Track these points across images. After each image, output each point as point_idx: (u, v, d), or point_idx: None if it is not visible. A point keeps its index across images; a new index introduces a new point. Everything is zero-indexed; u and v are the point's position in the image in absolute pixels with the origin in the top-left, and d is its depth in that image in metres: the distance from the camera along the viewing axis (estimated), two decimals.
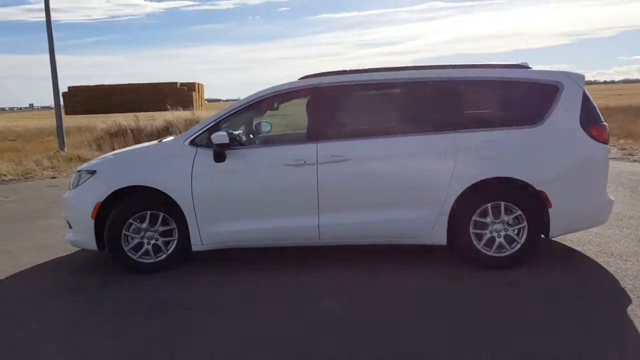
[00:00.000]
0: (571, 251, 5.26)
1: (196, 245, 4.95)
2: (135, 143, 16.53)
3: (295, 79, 5.04)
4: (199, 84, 72.91)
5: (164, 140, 5.34)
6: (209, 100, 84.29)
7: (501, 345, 3.43)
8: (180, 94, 65.65)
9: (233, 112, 4.99)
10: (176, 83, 73.19)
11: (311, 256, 5.22)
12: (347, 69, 5.01)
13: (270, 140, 5.56)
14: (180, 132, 17.56)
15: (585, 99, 4.73)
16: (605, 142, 4.73)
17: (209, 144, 4.86)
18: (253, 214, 4.85)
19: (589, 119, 4.71)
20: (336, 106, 4.99)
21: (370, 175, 4.74)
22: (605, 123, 4.80)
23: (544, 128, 4.67)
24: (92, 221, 4.92)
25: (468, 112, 4.86)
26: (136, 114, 18.29)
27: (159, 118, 17.92)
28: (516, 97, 4.82)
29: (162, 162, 4.95)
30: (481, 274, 4.68)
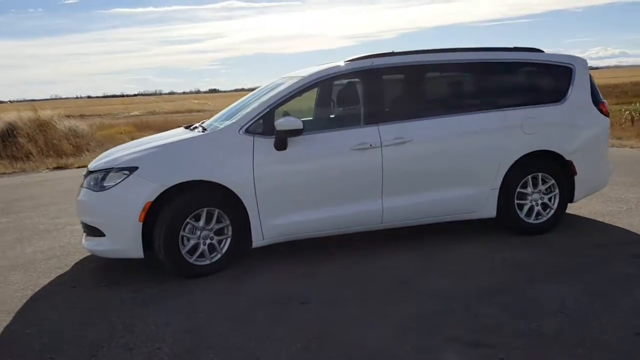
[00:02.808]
0: (574, 216, 5.90)
1: (257, 240, 4.62)
2: None
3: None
4: None
5: (208, 128, 4.83)
6: None
7: (621, 293, 3.85)
8: None
9: (286, 98, 4.74)
10: None
11: (360, 242, 5.15)
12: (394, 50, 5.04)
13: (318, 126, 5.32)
14: (27, 134, 15.67)
15: (591, 79, 5.39)
16: (608, 115, 5.45)
17: (265, 132, 4.56)
18: (318, 202, 4.68)
19: (596, 96, 5.39)
20: (393, 87, 5.03)
21: (430, 155, 4.87)
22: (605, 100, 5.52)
23: (567, 105, 5.23)
24: (140, 225, 4.31)
25: (510, 91, 5.22)
26: None
27: None
28: (544, 77, 5.33)
29: (219, 153, 4.52)
30: (530, 240, 5.09)
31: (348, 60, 4.94)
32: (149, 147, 4.61)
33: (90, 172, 4.69)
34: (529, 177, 5.13)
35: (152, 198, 4.30)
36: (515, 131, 5.01)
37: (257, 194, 4.49)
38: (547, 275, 4.25)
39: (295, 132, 4.47)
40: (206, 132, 4.77)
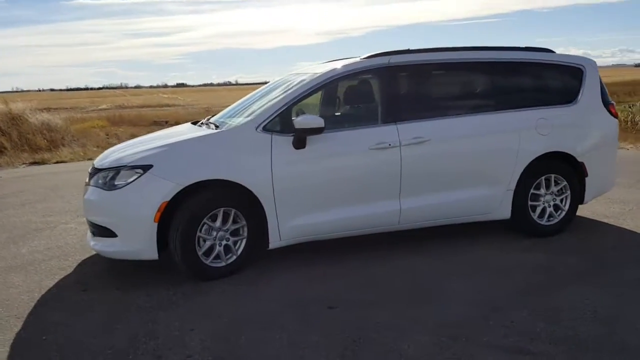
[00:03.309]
0: (578, 217, 5.90)
1: (274, 242, 4.49)
2: None
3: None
4: None
5: (220, 126, 4.69)
6: None
7: None
8: None
9: (303, 95, 4.62)
10: None
11: (368, 244, 5.06)
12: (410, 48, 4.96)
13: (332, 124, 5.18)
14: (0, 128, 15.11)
15: (600, 80, 5.41)
16: (617, 117, 5.48)
17: (283, 130, 4.43)
18: (336, 202, 4.58)
19: (605, 97, 5.40)
20: (411, 85, 4.94)
21: (448, 155, 4.81)
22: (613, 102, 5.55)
23: (579, 106, 5.25)
24: (155, 225, 4.14)
25: (526, 92, 5.20)
26: None
27: None
28: (557, 78, 5.33)
29: (236, 151, 4.37)
30: (541, 242, 5.10)
31: (365, 57, 4.84)
32: (162, 145, 4.43)
33: (98, 170, 4.49)
34: (543, 178, 5.11)
35: (169, 198, 4.13)
36: (530, 132, 4.99)
37: (275, 194, 4.36)
38: (568, 279, 4.23)
39: (316, 131, 4.35)
40: (221, 129, 4.60)
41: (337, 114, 5.17)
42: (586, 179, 5.26)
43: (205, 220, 4.23)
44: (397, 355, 3.15)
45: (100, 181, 4.37)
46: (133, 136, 17.58)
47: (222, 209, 4.29)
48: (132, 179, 4.19)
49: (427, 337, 3.35)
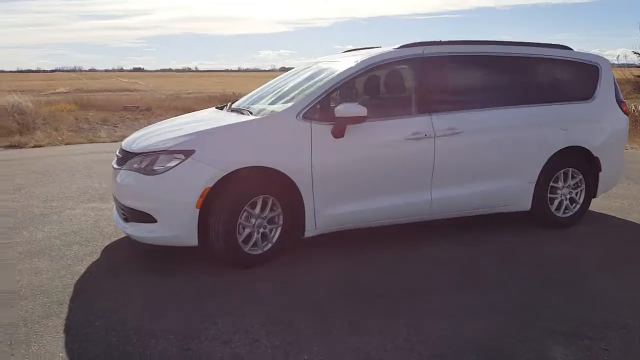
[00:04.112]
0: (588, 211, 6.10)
1: (309, 230, 4.50)
2: None
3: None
4: None
5: (254, 112, 4.67)
6: None
7: None
8: None
9: (341, 83, 4.63)
10: None
11: (389, 234, 5.11)
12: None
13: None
14: None
15: (614, 78, 5.61)
16: (628, 114, 5.70)
17: (321, 118, 4.44)
18: (371, 192, 4.63)
19: (618, 95, 5.62)
20: (445, 77, 5.01)
21: (479, 147, 4.91)
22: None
23: (596, 102, 5.44)
24: (197, 211, 4.09)
25: (550, 87, 5.36)
26: None
27: None
28: (576, 74, 5.50)
29: (277, 139, 4.35)
30: (559, 233, 5.30)
31: (398, 47, 4.88)
32: (202, 130, 4.38)
33: (131, 154, 4.40)
34: (561, 172, 5.28)
35: (211, 184, 4.09)
36: (553, 126, 5.16)
37: (313, 183, 4.37)
38: (597, 269, 4.41)
39: (357, 120, 4.37)
40: (260, 116, 4.58)
41: (372, 103, 5.17)
42: (600, 173, 5.45)
43: (246, 207, 4.20)
44: (460, 341, 3.22)
45: (135, 165, 4.29)
46: (104, 121, 17.27)
47: (261, 197, 4.27)
48: (173, 164, 4.12)
49: (483, 323, 3.44)
